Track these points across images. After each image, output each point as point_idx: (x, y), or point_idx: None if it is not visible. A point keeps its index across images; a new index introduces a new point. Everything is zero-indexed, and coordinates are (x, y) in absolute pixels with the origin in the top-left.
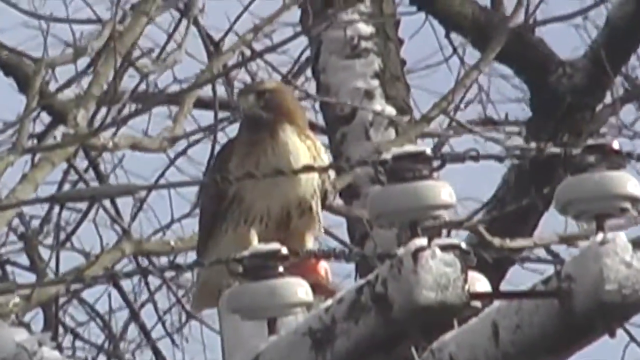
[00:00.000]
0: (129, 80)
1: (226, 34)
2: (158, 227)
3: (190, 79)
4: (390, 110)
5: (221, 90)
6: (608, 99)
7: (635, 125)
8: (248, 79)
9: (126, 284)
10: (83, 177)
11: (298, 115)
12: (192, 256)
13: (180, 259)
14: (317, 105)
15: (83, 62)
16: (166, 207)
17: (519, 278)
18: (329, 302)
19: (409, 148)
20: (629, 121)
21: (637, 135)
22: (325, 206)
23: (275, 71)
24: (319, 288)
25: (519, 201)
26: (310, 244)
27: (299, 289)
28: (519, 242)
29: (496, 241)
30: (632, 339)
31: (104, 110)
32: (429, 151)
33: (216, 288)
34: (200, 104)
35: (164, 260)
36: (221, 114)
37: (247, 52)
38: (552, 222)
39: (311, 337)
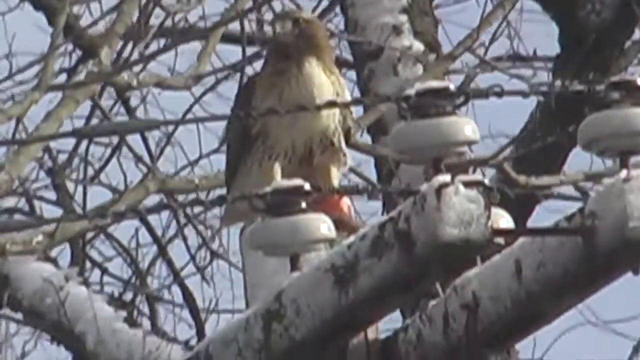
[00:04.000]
0: (156, 18)
1: None
2: (186, 163)
3: (216, 14)
4: (418, 46)
5: (249, 25)
6: (637, 35)
7: None
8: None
9: (155, 221)
10: (107, 115)
11: (326, 51)
12: (216, 194)
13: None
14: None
15: None
16: (195, 143)
17: (546, 218)
18: (352, 238)
19: (433, 84)
20: None
21: None
22: (350, 143)
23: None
24: (342, 224)
25: (546, 138)
26: (336, 179)
27: (322, 225)
28: (545, 180)
29: (521, 179)
30: None
31: (130, 48)
32: (452, 87)
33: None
34: (229, 39)
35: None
36: (249, 50)
37: None
38: (580, 159)
39: (334, 274)
